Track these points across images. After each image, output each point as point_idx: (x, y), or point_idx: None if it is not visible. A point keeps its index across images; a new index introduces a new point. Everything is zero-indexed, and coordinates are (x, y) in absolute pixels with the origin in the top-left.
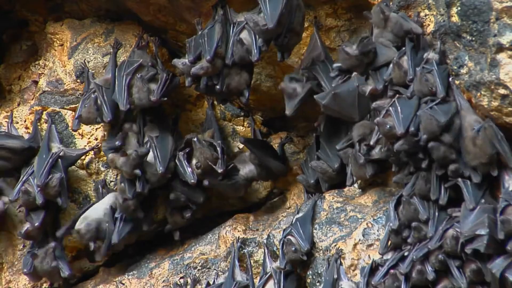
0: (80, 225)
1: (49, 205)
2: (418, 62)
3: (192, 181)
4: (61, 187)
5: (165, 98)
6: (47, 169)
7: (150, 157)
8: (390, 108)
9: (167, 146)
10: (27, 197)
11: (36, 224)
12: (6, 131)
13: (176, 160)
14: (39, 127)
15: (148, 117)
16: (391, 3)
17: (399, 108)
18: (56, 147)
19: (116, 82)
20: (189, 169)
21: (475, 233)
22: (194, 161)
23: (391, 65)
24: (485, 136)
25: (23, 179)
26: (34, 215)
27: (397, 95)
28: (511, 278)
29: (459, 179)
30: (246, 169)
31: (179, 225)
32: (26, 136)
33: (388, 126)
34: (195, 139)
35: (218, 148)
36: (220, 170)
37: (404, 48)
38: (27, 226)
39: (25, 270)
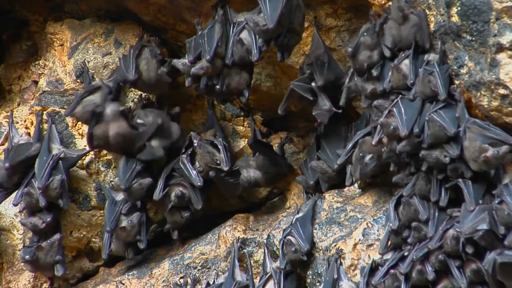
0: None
1: (51, 206)
2: (420, 65)
3: (199, 184)
4: (62, 188)
5: (170, 80)
6: (48, 171)
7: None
8: (394, 109)
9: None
10: (29, 199)
11: (48, 220)
12: (7, 131)
13: (180, 163)
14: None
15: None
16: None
17: (402, 109)
18: (56, 148)
19: (121, 63)
20: (194, 172)
21: (475, 229)
22: (196, 165)
23: (390, 71)
24: (472, 134)
25: (25, 182)
26: (41, 214)
27: (400, 95)
28: (499, 259)
29: (460, 180)
30: (251, 172)
31: (178, 225)
32: (26, 136)
33: (392, 127)
34: (196, 144)
35: (219, 147)
36: (225, 169)
37: (403, 54)
38: (35, 220)
39: (27, 257)
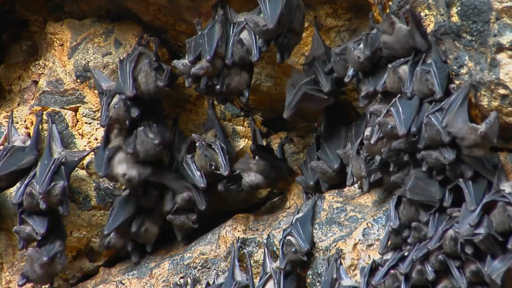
0: None
1: (50, 210)
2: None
3: (202, 185)
4: (63, 195)
5: (168, 88)
6: (49, 176)
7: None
8: (392, 108)
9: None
10: (31, 200)
11: (42, 232)
12: (7, 132)
13: (184, 164)
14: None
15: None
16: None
17: (400, 108)
18: (57, 152)
19: (119, 73)
20: (198, 173)
21: (474, 232)
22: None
23: (386, 73)
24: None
25: (26, 182)
26: (37, 219)
27: (398, 95)
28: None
29: (460, 180)
30: (252, 176)
31: (186, 229)
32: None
33: (389, 126)
34: (198, 144)
35: (217, 151)
36: (225, 173)
37: (402, 59)
38: (30, 231)
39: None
